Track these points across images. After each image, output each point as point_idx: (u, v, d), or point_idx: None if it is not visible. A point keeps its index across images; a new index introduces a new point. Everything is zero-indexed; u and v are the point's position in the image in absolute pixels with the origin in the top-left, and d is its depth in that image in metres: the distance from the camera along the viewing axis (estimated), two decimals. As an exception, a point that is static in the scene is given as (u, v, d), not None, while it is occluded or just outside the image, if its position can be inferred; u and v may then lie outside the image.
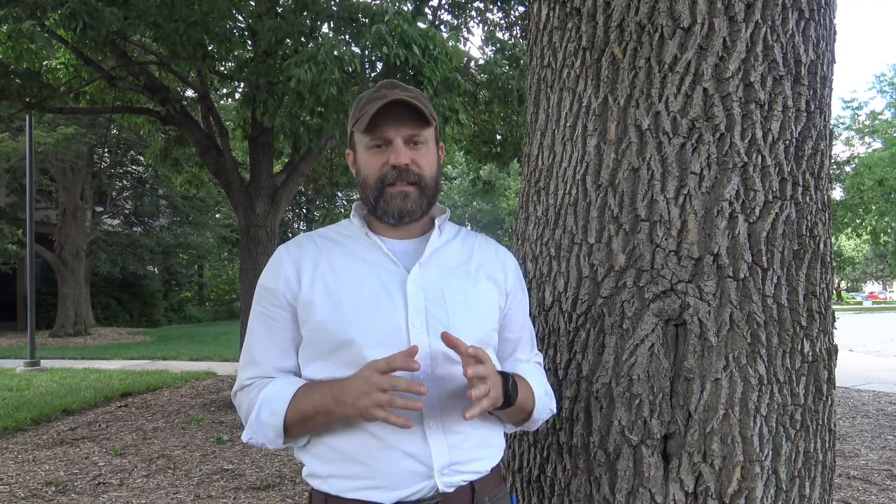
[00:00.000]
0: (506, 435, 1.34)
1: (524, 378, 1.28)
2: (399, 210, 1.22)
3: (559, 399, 1.54)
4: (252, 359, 1.25)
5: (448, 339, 1.09)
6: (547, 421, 1.57)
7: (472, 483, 1.19)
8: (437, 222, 1.29)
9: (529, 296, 1.51)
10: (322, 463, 1.19)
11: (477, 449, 1.21)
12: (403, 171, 1.21)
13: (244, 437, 1.21)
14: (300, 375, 1.23)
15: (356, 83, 5.40)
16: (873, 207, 15.83)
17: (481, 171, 10.60)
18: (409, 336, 1.17)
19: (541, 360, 1.43)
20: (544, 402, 1.32)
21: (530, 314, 1.42)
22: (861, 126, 19.88)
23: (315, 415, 1.14)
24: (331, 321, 1.17)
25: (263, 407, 1.18)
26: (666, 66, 1.50)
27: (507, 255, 1.37)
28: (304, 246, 1.26)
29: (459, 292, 1.23)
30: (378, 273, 1.21)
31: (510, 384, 1.19)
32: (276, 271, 1.23)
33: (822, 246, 1.55)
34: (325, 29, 6.16)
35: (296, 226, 24.01)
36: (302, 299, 1.20)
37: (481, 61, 8.32)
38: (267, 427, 1.18)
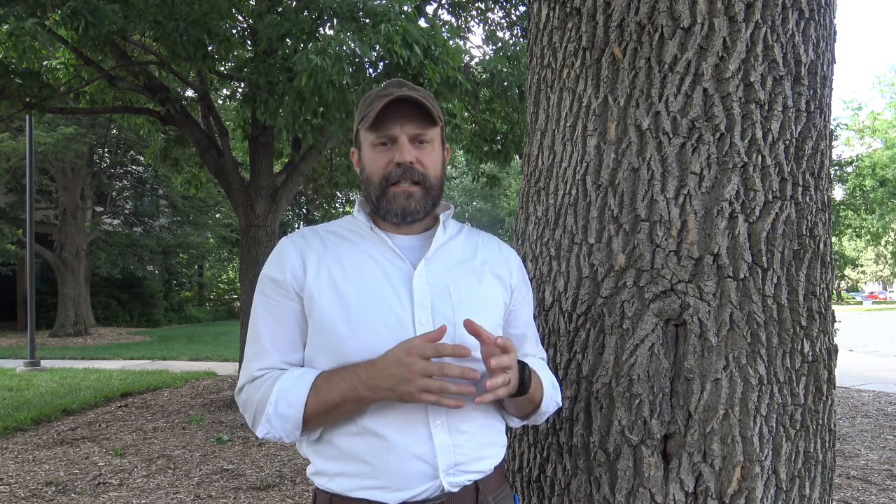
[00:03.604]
0: (507, 433, 1.34)
1: (534, 370, 1.28)
2: (402, 209, 1.21)
3: (559, 399, 1.54)
4: (262, 349, 1.21)
5: (471, 327, 1.09)
6: (547, 421, 1.57)
7: (476, 482, 1.19)
8: (441, 218, 1.28)
9: None
10: (328, 461, 1.18)
11: (481, 448, 1.21)
12: (408, 170, 1.20)
13: (260, 433, 1.16)
14: None
15: (358, 83, 5.40)
16: (876, 208, 15.81)
17: (483, 167, 10.61)
18: (415, 331, 1.16)
19: (545, 356, 1.44)
20: (551, 395, 1.32)
21: None
22: (861, 126, 19.90)
23: (343, 402, 1.12)
24: (336, 315, 1.16)
25: (280, 399, 1.14)
26: (666, 66, 1.50)
27: (511, 251, 1.37)
28: (309, 239, 1.25)
29: (465, 288, 1.23)
30: (384, 268, 1.21)
31: (526, 373, 1.19)
32: (282, 262, 1.22)
33: (822, 246, 1.55)
34: (327, 28, 6.16)
35: (296, 226, 24.02)
36: (307, 291, 1.19)
37: (482, 59, 8.32)
38: (286, 420, 1.14)
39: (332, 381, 1.13)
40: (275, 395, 1.15)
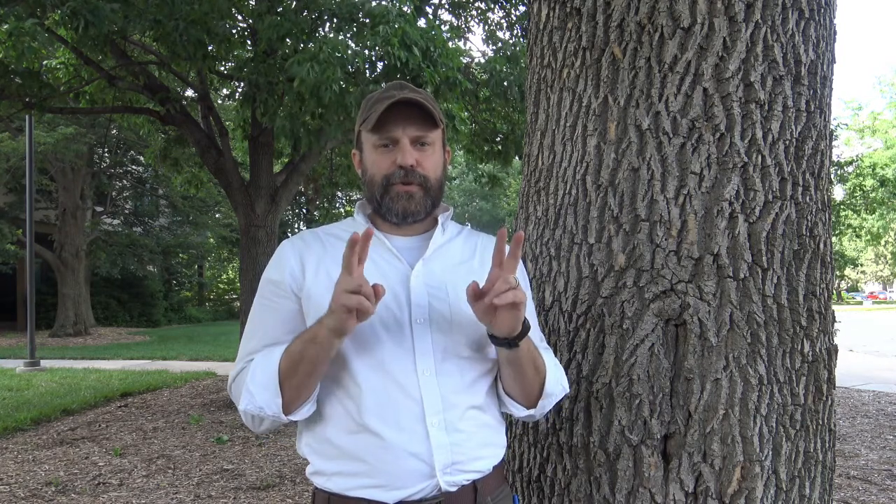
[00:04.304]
0: (507, 433, 1.34)
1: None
2: (403, 210, 1.23)
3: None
4: (253, 348, 1.23)
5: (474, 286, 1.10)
6: (547, 420, 1.58)
7: (474, 482, 1.19)
8: (440, 220, 1.30)
9: None
10: (326, 461, 1.19)
11: (479, 448, 1.21)
12: (409, 172, 1.21)
13: (241, 406, 1.16)
14: None
15: (357, 84, 5.41)
16: (876, 208, 15.85)
17: (484, 168, 10.59)
18: (412, 331, 1.17)
19: (551, 353, 1.43)
20: (556, 375, 1.29)
21: None
22: (861, 126, 19.95)
23: (304, 349, 1.10)
24: None
25: (257, 369, 1.16)
26: (666, 66, 1.50)
27: None
28: (309, 241, 1.27)
29: (463, 288, 1.23)
30: (381, 269, 1.22)
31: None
32: (281, 264, 1.24)
33: (822, 246, 1.55)
34: (326, 28, 6.16)
35: (296, 226, 24.01)
36: (306, 291, 1.20)
37: (482, 60, 8.32)
38: (264, 387, 1.14)
39: (299, 336, 1.14)
40: (252, 368, 1.18)
